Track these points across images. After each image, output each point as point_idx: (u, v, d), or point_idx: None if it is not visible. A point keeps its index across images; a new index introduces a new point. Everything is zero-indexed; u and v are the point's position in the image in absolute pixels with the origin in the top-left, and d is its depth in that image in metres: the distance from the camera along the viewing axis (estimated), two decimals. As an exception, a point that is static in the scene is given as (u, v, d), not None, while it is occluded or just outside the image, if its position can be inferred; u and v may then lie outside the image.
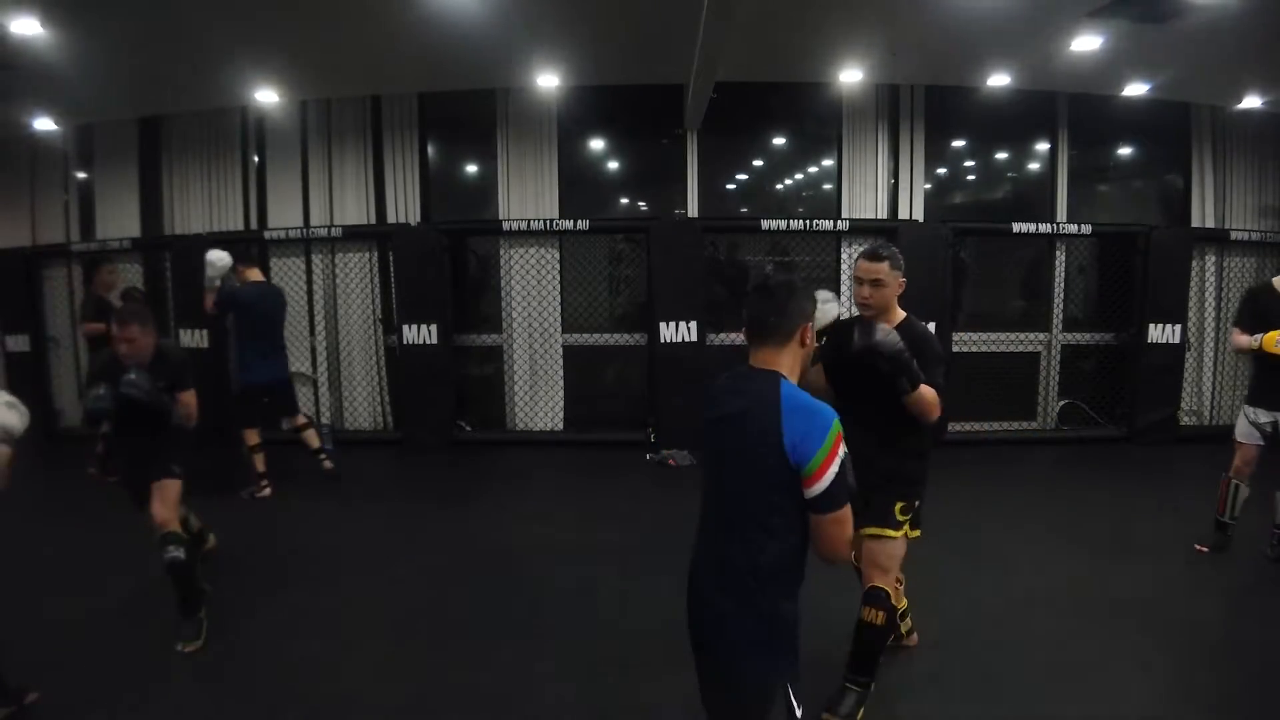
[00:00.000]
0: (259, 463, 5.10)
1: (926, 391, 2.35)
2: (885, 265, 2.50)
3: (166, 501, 3.26)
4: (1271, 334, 3.66)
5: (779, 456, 1.54)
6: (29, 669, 2.69)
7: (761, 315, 1.69)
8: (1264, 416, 3.85)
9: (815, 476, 1.53)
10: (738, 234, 6.92)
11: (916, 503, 2.51)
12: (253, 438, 5.10)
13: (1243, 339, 3.82)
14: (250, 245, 6.53)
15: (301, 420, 5.41)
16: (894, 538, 2.45)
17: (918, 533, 2.52)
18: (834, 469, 1.54)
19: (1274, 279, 3.89)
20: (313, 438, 5.41)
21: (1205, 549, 4.03)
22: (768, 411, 1.58)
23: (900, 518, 2.44)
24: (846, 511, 1.57)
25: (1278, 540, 3.90)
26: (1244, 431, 3.94)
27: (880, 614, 2.39)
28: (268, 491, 5.08)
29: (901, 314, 2.57)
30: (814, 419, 1.56)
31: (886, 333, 2.28)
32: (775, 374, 1.66)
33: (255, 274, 5.34)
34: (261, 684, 2.81)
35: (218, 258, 5.07)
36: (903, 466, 2.51)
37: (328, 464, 5.37)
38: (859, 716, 2.45)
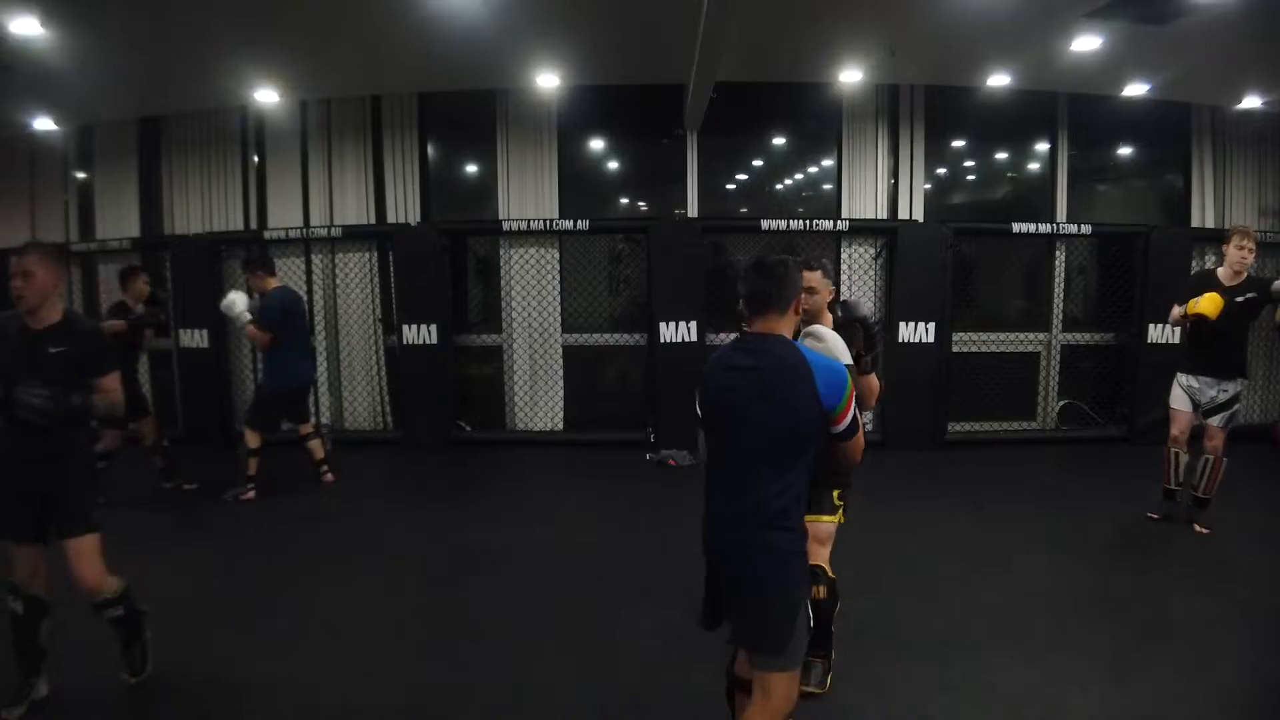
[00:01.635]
0: (252, 466, 5.03)
1: (875, 378, 2.69)
2: (819, 274, 2.76)
3: (88, 561, 2.57)
4: (1192, 300, 4.10)
5: (813, 403, 1.83)
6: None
7: (763, 289, 1.93)
8: (1194, 383, 4.31)
9: (841, 416, 1.88)
10: (736, 234, 6.91)
11: (847, 491, 2.78)
12: (254, 440, 5.04)
13: (1176, 309, 4.24)
14: (264, 251, 6.47)
15: (309, 428, 5.36)
16: (830, 522, 2.73)
17: (845, 519, 2.77)
18: (854, 407, 1.90)
19: (1218, 269, 4.29)
20: (318, 448, 5.36)
21: (1156, 516, 4.47)
22: (797, 367, 1.84)
23: (837, 503, 2.73)
24: (860, 434, 1.96)
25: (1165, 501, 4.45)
26: (1177, 398, 4.37)
27: (823, 589, 2.61)
28: (251, 495, 4.99)
29: (830, 318, 2.81)
30: (837, 372, 1.89)
31: (868, 305, 2.48)
32: (784, 337, 1.92)
33: (274, 281, 5.21)
34: (261, 684, 2.81)
35: (234, 300, 5.03)
36: (839, 460, 2.61)
37: (329, 476, 5.33)
38: (828, 683, 2.70)
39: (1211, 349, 4.22)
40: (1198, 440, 4.36)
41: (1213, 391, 4.26)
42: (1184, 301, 4.19)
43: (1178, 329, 4.56)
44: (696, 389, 2.00)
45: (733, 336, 2.01)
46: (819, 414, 1.84)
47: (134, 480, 5.22)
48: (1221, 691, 2.70)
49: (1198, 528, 4.31)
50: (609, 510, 4.90)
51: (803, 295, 2.64)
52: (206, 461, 5.73)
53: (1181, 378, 4.36)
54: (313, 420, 5.51)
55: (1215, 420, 4.27)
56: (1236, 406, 4.29)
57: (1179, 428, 4.37)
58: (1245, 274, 4.22)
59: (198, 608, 3.44)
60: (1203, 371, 4.27)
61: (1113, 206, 7.43)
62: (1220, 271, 4.26)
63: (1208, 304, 4.05)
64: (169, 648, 3.01)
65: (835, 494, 2.73)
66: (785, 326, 1.94)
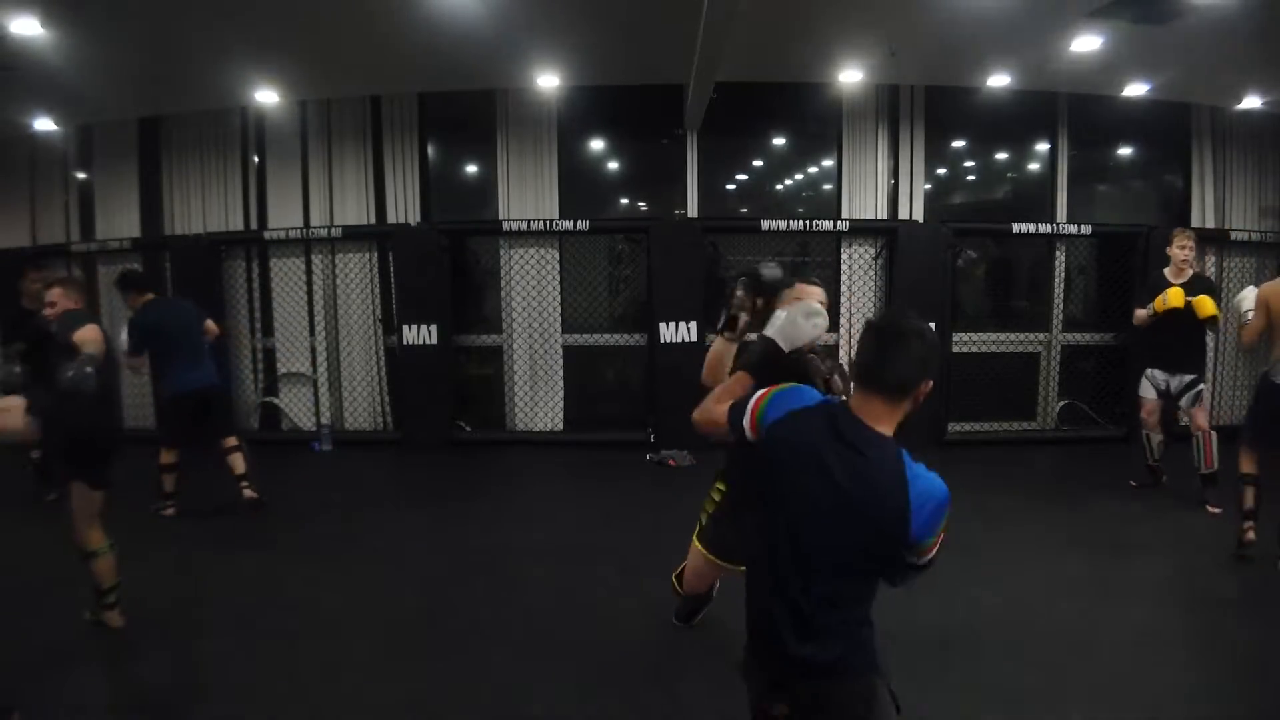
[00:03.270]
0: (168, 482, 4.74)
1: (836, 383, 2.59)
2: (821, 290, 2.64)
3: (89, 516, 3.06)
4: (1160, 298, 4.53)
5: (898, 539, 1.46)
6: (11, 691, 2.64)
7: (896, 368, 1.49)
8: (1161, 376, 4.82)
9: (925, 552, 1.50)
10: (736, 234, 6.91)
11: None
12: (167, 456, 4.75)
13: (1141, 311, 4.73)
14: (134, 268, 5.98)
15: (233, 441, 4.97)
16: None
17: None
18: (939, 545, 1.52)
19: (1165, 269, 4.75)
20: (239, 462, 4.93)
21: (1135, 484, 5.07)
22: (894, 492, 1.45)
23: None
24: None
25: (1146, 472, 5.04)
26: (1144, 387, 4.93)
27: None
28: (171, 511, 4.75)
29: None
30: (938, 500, 1.48)
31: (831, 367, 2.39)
32: (893, 442, 1.51)
33: (146, 296, 4.89)
34: (261, 685, 2.81)
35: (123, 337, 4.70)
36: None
37: (249, 492, 4.90)
38: None
39: (1172, 347, 4.71)
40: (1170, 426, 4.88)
41: (1174, 380, 4.76)
42: (1145, 304, 4.70)
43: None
44: (768, 412, 1.61)
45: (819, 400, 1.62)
46: (898, 543, 1.48)
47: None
48: (1227, 693, 2.70)
49: (1210, 509, 4.52)
50: (609, 510, 4.90)
51: (797, 340, 2.48)
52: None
53: (1149, 373, 4.88)
54: (235, 435, 5.08)
55: (1184, 402, 4.77)
56: (1201, 386, 4.75)
57: (1146, 411, 4.95)
58: (1190, 272, 4.69)
59: (197, 608, 3.43)
60: (1165, 366, 4.78)
61: (1113, 206, 7.43)
62: (1166, 271, 4.73)
63: (1175, 297, 4.48)
64: (169, 647, 3.02)
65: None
66: (896, 419, 1.52)
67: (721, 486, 2.77)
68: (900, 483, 1.45)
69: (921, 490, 1.46)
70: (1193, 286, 4.56)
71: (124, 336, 4.67)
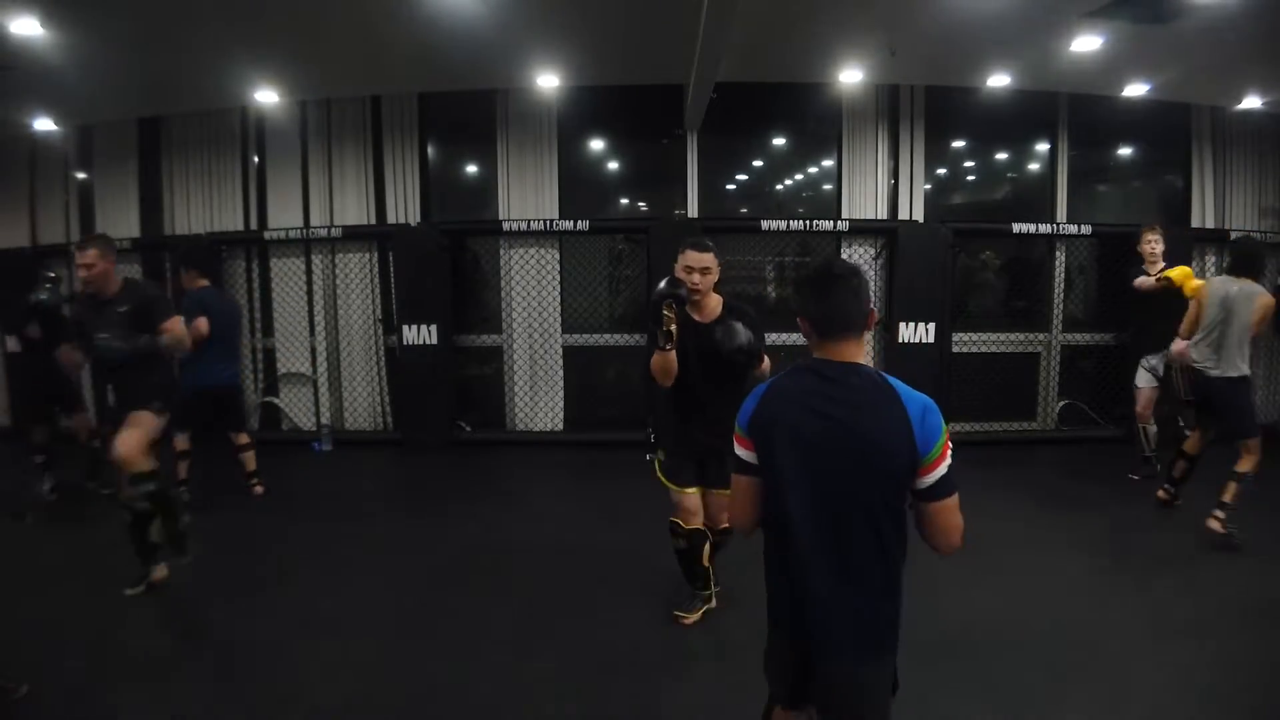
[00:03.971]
0: (181, 469, 4.83)
1: (766, 362, 2.93)
2: (710, 255, 3.00)
3: (134, 434, 3.39)
4: (1177, 271, 4.67)
5: (909, 449, 1.52)
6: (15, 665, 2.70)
7: (844, 306, 1.62)
8: (1154, 359, 5.14)
9: (935, 463, 1.54)
10: (736, 234, 6.91)
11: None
12: (181, 443, 4.83)
13: (1145, 280, 5.04)
14: (204, 251, 6.16)
15: (245, 439, 5.14)
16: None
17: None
18: (950, 454, 1.57)
19: (1143, 266, 5.16)
20: (250, 460, 5.11)
21: (1136, 477, 5.25)
22: (889, 406, 1.55)
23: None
24: (956, 498, 1.57)
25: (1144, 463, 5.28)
26: (1144, 379, 5.25)
27: (682, 540, 3.16)
28: (184, 498, 4.75)
29: (718, 297, 3.08)
30: (934, 408, 1.57)
31: (745, 333, 2.81)
32: (871, 369, 1.62)
33: (203, 281, 5.04)
34: (261, 684, 2.81)
35: None
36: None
37: (259, 489, 5.10)
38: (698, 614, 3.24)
39: (1165, 331, 4.75)
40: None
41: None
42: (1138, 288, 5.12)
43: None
44: (742, 416, 1.68)
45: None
46: (913, 457, 1.53)
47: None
48: (1228, 694, 2.70)
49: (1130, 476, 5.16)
50: (609, 510, 4.90)
51: (696, 275, 2.96)
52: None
53: (1146, 360, 5.22)
54: (247, 432, 5.25)
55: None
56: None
57: (1143, 402, 5.27)
58: (1162, 264, 5.03)
59: (196, 607, 3.43)
60: (1157, 348, 5.04)
61: (1113, 206, 7.43)
62: (1145, 268, 5.15)
63: (1178, 273, 4.69)
64: (168, 647, 3.02)
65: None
66: (862, 350, 1.65)
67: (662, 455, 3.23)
68: (892, 396, 1.56)
69: (912, 398, 1.57)
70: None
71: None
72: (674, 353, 2.89)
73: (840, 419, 1.55)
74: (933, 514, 1.58)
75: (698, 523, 3.16)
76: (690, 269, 2.97)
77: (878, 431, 1.53)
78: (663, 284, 2.87)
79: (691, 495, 3.13)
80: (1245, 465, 4.05)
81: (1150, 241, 5.14)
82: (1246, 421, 4.11)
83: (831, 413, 1.56)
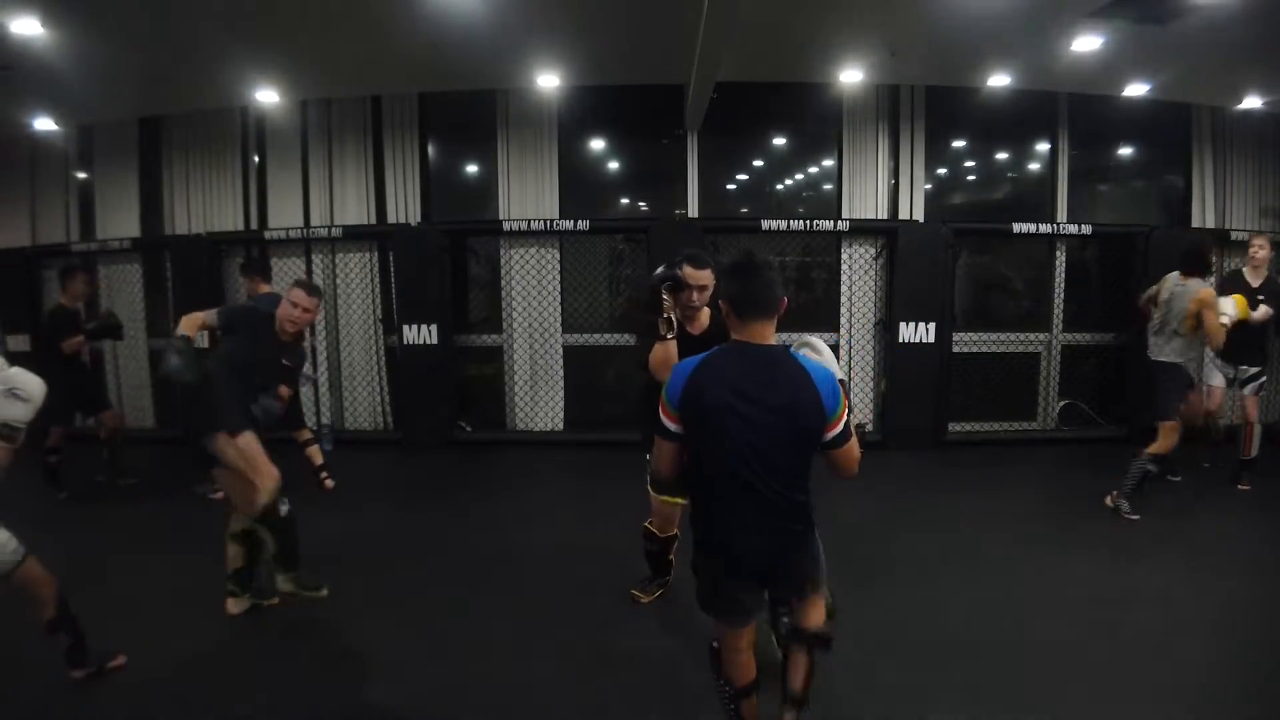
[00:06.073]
0: None
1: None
2: (708, 272, 2.89)
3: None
4: (1239, 307, 4.62)
5: (819, 415, 1.90)
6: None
7: (761, 293, 1.92)
8: (1225, 365, 5.11)
9: (838, 421, 1.94)
10: (736, 234, 6.91)
11: None
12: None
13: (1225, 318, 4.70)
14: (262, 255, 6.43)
15: (307, 434, 5.17)
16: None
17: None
18: (848, 412, 1.97)
19: (1243, 269, 5.08)
20: (316, 454, 5.09)
21: (1247, 487, 4.99)
22: (805, 381, 1.90)
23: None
24: (855, 440, 2.01)
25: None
26: (1217, 379, 5.20)
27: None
28: (221, 495, 4.93)
29: (707, 310, 3.02)
30: (831, 377, 1.94)
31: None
32: (781, 348, 1.96)
33: (265, 287, 5.09)
34: (261, 684, 2.81)
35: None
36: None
37: (329, 482, 5.04)
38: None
39: (1234, 342, 4.74)
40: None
41: (1236, 371, 5.09)
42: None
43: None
44: (671, 394, 1.94)
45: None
46: (823, 420, 1.91)
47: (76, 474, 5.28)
48: (1229, 695, 2.70)
49: (1240, 486, 4.97)
50: (609, 510, 4.88)
51: (694, 293, 2.89)
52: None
53: (1214, 360, 5.08)
54: (309, 426, 5.34)
55: (1248, 390, 5.04)
56: (1263, 378, 5.06)
57: (1215, 402, 5.29)
58: (1265, 271, 4.99)
59: (195, 607, 3.43)
60: (1226, 359, 5.04)
61: (1113, 206, 7.43)
62: (1244, 270, 5.07)
63: (1242, 308, 4.65)
64: (168, 648, 3.02)
65: None
66: (772, 332, 1.96)
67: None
68: (801, 371, 1.92)
69: (815, 369, 1.93)
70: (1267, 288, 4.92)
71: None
72: (675, 342, 2.79)
73: (762, 392, 1.87)
74: (836, 456, 2.01)
75: (673, 531, 3.24)
76: (689, 286, 2.90)
77: (794, 402, 1.88)
78: (660, 269, 2.82)
79: (674, 506, 3.10)
80: (1152, 447, 4.44)
81: (1259, 247, 4.97)
82: (1163, 404, 4.45)
83: (754, 387, 1.87)
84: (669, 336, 2.77)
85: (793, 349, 2.04)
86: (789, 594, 2.16)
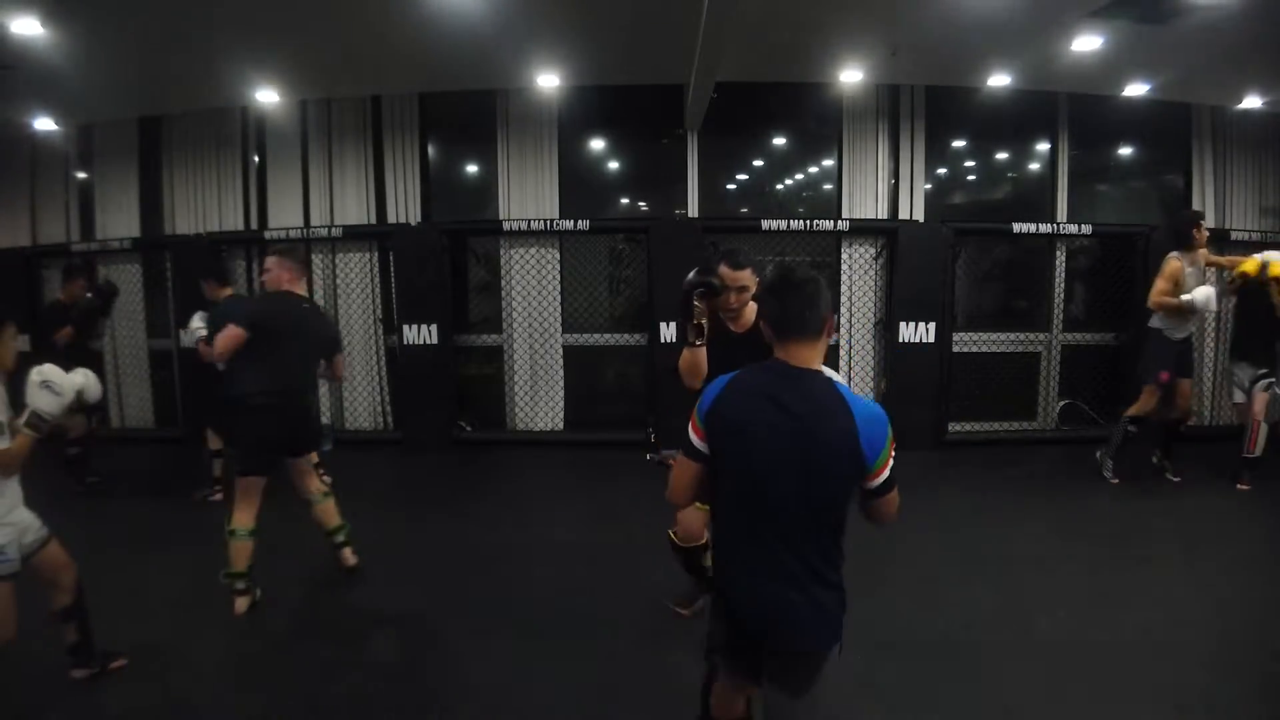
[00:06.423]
0: (217, 467, 5.01)
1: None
2: (748, 273, 2.74)
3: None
4: (1250, 264, 4.80)
5: (855, 458, 1.64)
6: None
7: (799, 310, 1.71)
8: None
9: (882, 470, 1.68)
10: (736, 234, 6.91)
11: None
12: (215, 442, 5.00)
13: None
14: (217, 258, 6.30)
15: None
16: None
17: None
18: (893, 460, 1.70)
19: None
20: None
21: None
22: (840, 417, 1.64)
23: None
24: (895, 491, 1.74)
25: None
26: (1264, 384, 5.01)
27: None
28: (219, 497, 4.90)
29: (752, 304, 2.81)
30: (880, 419, 1.68)
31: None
32: (825, 375, 1.72)
33: (228, 290, 5.07)
34: (262, 684, 2.81)
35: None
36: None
37: (325, 479, 5.19)
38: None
39: (1248, 339, 5.09)
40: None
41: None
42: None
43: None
44: (700, 407, 1.77)
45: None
46: (861, 467, 1.66)
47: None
48: (1230, 695, 2.71)
49: (1239, 485, 4.96)
50: (609, 510, 4.89)
51: (732, 295, 2.75)
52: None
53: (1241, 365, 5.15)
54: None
55: (1259, 387, 4.98)
56: (1272, 380, 4.89)
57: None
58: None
59: (195, 607, 3.43)
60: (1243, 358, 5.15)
61: (1113, 206, 7.43)
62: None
63: (1252, 265, 4.80)
64: (168, 648, 3.02)
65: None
66: (820, 355, 1.73)
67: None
68: (842, 405, 1.66)
69: (863, 410, 1.67)
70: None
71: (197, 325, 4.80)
72: (704, 350, 2.66)
73: (792, 420, 1.65)
74: (875, 506, 1.74)
75: (700, 540, 2.99)
76: (727, 287, 2.72)
77: (825, 436, 1.64)
78: (692, 274, 2.62)
79: (699, 512, 2.87)
80: (1132, 408, 4.95)
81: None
82: (1144, 368, 4.95)
83: (785, 414, 1.65)
84: (698, 344, 2.66)
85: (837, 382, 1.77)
86: (778, 689, 1.82)
